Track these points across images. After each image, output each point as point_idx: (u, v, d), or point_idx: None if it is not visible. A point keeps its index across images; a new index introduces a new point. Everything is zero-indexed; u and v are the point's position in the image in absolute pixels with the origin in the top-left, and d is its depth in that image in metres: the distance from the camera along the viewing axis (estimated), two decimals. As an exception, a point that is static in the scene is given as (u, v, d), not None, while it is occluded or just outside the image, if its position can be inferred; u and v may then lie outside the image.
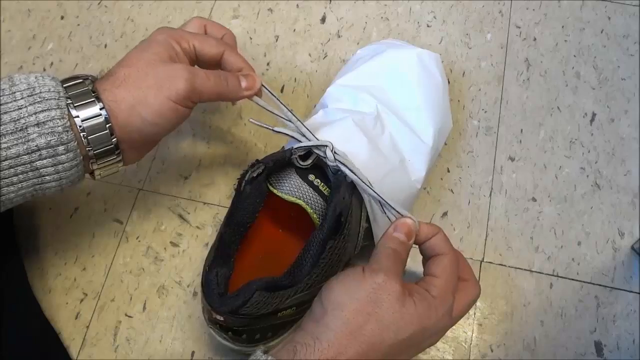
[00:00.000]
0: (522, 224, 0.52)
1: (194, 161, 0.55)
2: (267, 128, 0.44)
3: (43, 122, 0.35)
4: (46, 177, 0.36)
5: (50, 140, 0.35)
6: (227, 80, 0.42)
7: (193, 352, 0.47)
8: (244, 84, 0.43)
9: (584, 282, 0.50)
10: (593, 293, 0.49)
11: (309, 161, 0.43)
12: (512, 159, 0.55)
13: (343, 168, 0.40)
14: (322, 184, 0.42)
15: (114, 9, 0.63)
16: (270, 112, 0.44)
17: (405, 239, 0.38)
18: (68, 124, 0.36)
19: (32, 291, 0.48)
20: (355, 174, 0.40)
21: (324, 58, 0.60)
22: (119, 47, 0.61)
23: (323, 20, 0.62)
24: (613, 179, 0.53)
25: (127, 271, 0.50)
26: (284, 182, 0.43)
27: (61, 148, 0.36)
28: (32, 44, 0.61)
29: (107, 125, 0.38)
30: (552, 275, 0.50)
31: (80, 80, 0.38)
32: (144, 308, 0.49)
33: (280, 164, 0.42)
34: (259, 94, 0.45)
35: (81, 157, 0.37)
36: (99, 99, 0.38)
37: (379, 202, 0.41)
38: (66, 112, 0.36)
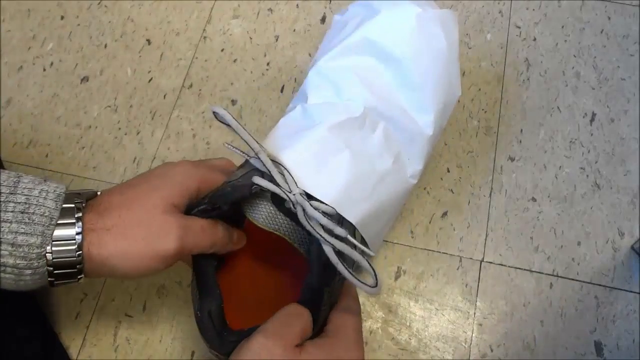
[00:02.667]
0: (522, 224, 0.52)
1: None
2: (243, 155, 0.39)
3: (19, 245, 0.33)
4: (4, 282, 0.34)
5: (19, 263, 0.33)
6: (219, 231, 0.39)
7: (193, 352, 0.47)
8: (235, 237, 0.41)
9: (584, 282, 0.50)
10: (593, 293, 0.49)
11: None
12: (512, 159, 0.55)
13: (310, 229, 0.35)
14: None
15: (114, 9, 0.63)
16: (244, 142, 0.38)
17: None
18: (43, 253, 0.34)
19: (32, 291, 0.48)
20: (320, 231, 0.35)
21: (324, 58, 0.60)
22: (119, 47, 0.61)
23: (323, 20, 0.62)
24: (613, 179, 0.53)
25: (127, 271, 0.50)
26: (258, 210, 0.38)
27: (28, 272, 0.34)
28: (32, 44, 0.61)
29: (78, 267, 0.35)
30: (552, 275, 0.50)
31: (72, 230, 0.34)
32: (144, 308, 0.49)
33: (236, 204, 0.38)
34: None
35: (47, 279, 0.35)
36: (79, 236, 0.34)
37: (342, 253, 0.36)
38: (48, 241, 0.34)
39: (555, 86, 0.58)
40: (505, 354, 0.47)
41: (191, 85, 0.58)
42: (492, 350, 0.47)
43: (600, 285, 0.49)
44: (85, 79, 0.59)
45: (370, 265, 0.35)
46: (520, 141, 0.55)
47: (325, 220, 0.35)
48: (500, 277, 0.50)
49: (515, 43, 0.60)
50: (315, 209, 0.35)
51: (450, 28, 0.44)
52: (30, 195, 0.34)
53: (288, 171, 0.36)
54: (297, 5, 0.63)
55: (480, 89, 0.58)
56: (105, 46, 0.61)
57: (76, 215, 0.34)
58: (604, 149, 0.55)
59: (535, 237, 0.51)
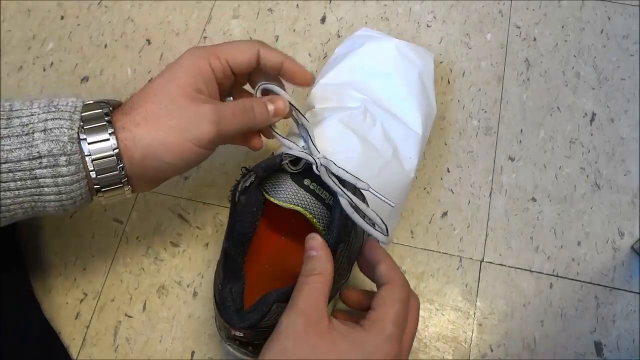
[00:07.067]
0: (522, 224, 0.52)
1: (194, 161, 0.55)
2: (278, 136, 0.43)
3: (50, 129, 0.34)
4: (45, 188, 0.35)
5: (53, 148, 0.34)
6: (253, 111, 0.40)
7: (193, 352, 0.47)
8: (271, 108, 0.41)
9: (584, 282, 0.50)
10: (593, 293, 0.49)
11: (300, 166, 0.42)
12: (512, 159, 0.55)
13: (332, 185, 0.40)
14: (319, 187, 0.42)
15: (114, 9, 0.63)
16: (282, 136, 0.43)
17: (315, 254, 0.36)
18: (75, 135, 0.35)
19: (32, 291, 0.48)
20: (340, 185, 0.39)
21: (323, 58, 0.60)
22: (119, 47, 0.61)
23: (323, 20, 0.62)
24: (613, 179, 0.53)
25: (127, 271, 0.50)
26: (280, 189, 0.42)
27: (63, 159, 0.34)
28: (32, 44, 0.61)
29: (119, 166, 0.36)
30: (552, 275, 0.50)
31: (99, 110, 0.36)
32: (144, 308, 0.49)
33: (271, 170, 0.41)
34: (287, 115, 0.42)
35: (84, 174, 0.36)
36: (113, 134, 0.36)
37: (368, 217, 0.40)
38: (77, 125, 0.35)
39: (555, 86, 0.58)
40: (505, 354, 0.47)
41: (191, 85, 0.58)
42: (492, 350, 0.47)
43: (600, 285, 0.49)
44: (85, 79, 0.59)
45: (381, 220, 0.39)
46: (520, 141, 0.55)
47: (348, 176, 0.39)
48: (500, 277, 0.50)
49: (515, 43, 0.60)
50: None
51: (425, 58, 0.52)
52: (52, 99, 0.36)
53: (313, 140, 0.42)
54: (297, 5, 0.63)
55: (480, 89, 0.58)
56: (105, 46, 0.61)
57: (104, 111, 0.36)
58: (604, 149, 0.55)
59: (535, 237, 0.51)
